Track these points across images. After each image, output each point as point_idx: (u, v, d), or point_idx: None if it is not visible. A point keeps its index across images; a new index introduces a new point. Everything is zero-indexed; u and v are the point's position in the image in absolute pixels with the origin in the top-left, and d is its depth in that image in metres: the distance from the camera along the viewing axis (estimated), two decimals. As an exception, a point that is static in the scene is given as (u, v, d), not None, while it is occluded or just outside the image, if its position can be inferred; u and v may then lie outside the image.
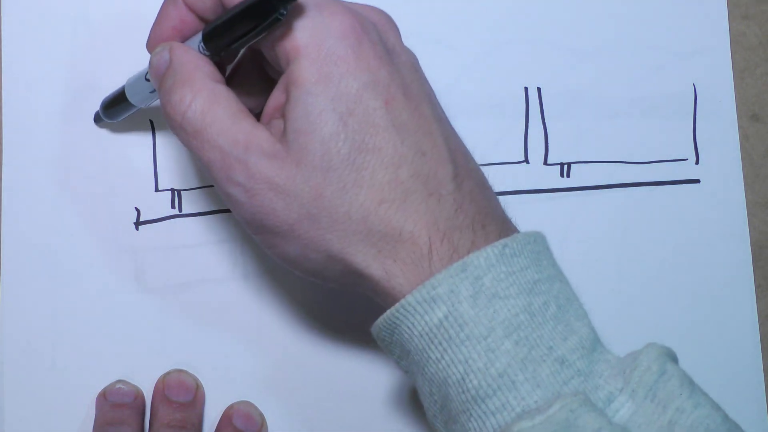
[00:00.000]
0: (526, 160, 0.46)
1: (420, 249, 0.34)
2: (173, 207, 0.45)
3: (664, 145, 0.47)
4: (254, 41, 0.35)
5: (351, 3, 0.36)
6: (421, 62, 0.46)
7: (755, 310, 0.46)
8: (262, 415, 0.44)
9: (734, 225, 0.46)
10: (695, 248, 0.46)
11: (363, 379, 0.45)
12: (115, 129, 0.45)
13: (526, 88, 0.46)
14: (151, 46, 0.39)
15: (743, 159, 0.47)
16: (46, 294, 0.44)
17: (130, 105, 0.42)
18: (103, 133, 0.45)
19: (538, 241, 0.36)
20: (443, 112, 0.37)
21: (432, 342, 0.33)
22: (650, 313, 0.46)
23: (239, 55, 0.39)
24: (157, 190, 0.45)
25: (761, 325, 0.46)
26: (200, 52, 0.37)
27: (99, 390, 0.44)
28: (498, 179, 0.45)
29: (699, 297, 0.46)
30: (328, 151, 0.34)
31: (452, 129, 0.37)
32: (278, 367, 0.45)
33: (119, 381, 0.44)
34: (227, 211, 0.45)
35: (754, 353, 0.46)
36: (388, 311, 0.34)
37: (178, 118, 0.35)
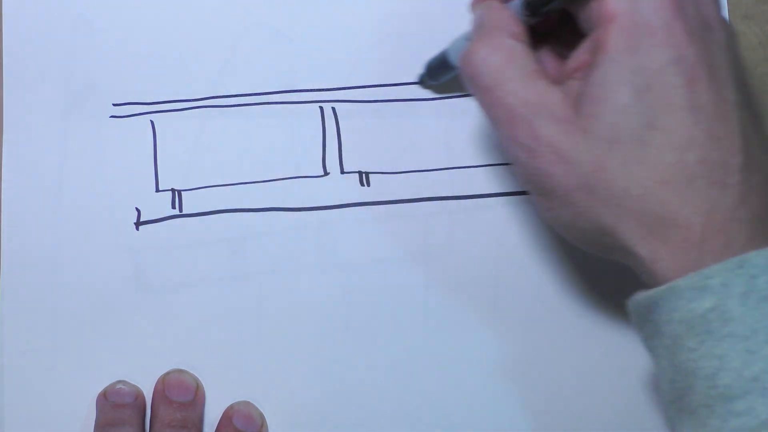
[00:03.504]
0: (527, 161, 0.46)
1: (692, 236, 0.33)
2: (173, 207, 0.45)
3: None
4: (572, 3, 0.35)
5: None
6: (419, 62, 0.46)
7: (755, 310, 0.46)
8: (262, 415, 0.44)
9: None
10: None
11: (363, 379, 0.45)
12: (119, 128, 0.45)
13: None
14: (474, 3, 0.39)
15: (743, 159, 0.47)
16: (46, 294, 0.44)
17: (452, 67, 0.43)
18: (103, 133, 0.45)
19: None
20: (749, 98, 0.36)
21: (691, 331, 0.32)
22: (650, 313, 0.46)
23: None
24: (157, 190, 0.45)
25: (761, 325, 0.46)
26: (519, 13, 0.37)
27: (99, 390, 0.44)
28: (498, 180, 0.46)
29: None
30: (616, 123, 0.33)
31: (755, 118, 0.35)
32: (278, 367, 0.45)
33: (120, 381, 0.44)
34: (227, 211, 0.45)
35: (754, 353, 0.46)
36: (653, 290, 0.34)
37: (472, 71, 0.36)
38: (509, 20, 0.37)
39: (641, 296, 0.35)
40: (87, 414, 0.44)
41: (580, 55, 0.36)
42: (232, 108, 0.46)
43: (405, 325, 0.45)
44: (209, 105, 0.46)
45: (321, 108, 0.46)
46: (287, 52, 0.46)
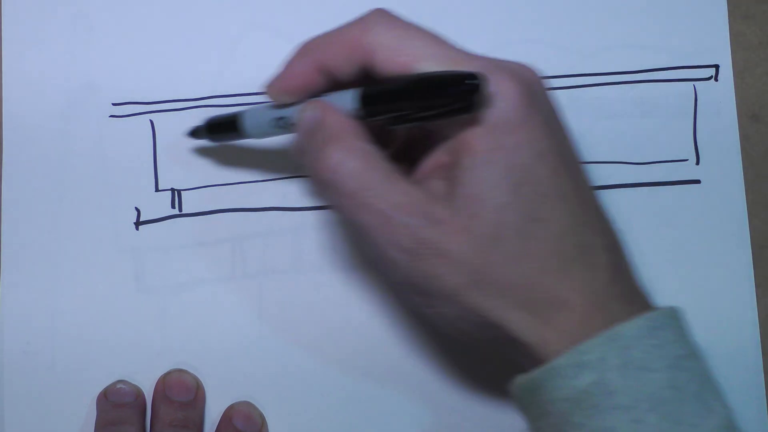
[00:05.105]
0: (527, 161, 0.46)
1: (576, 317, 0.34)
2: (173, 207, 0.45)
3: (665, 146, 0.47)
4: (428, 122, 0.35)
5: (506, 63, 0.36)
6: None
7: (755, 310, 0.46)
8: (262, 416, 0.44)
9: (735, 225, 0.46)
10: (695, 248, 0.46)
11: (363, 380, 0.45)
12: (119, 128, 0.45)
13: (526, 89, 0.46)
14: (275, 95, 0.38)
15: (743, 159, 0.47)
16: (46, 294, 0.44)
17: (239, 134, 0.42)
18: (103, 133, 0.45)
19: (679, 316, 0.36)
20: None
21: (577, 407, 0.33)
22: (650, 313, 0.46)
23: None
24: (157, 190, 0.45)
25: (761, 325, 0.46)
26: (352, 112, 0.36)
27: (99, 390, 0.44)
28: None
29: (699, 297, 0.46)
30: (500, 221, 0.34)
31: (599, 199, 0.37)
32: (278, 367, 0.45)
33: (120, 381, 0.44)
34: (227, 210, 0.45)
35: (754, 353, 0.46)
36: (535, 371, 0.34)
37: (329, 176, 0.35)
38: (352, 122, 0.36)
39: (524, 378, 0.35)
40: (87, 414, 0.44)
41: (438, 156, 0.36)
42: (232, 108, 0.46)
43: (405, 325, 0.45)
44: (209, 105, 0.46)
45: (321, 108, 0.46)
46: (287, 52, 0.46)
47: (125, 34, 0.46)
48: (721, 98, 0.47)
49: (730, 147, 0.47)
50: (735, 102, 0.47)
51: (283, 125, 0.39)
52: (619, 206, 0.46)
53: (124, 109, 0.45)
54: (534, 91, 0.35)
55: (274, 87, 0.38)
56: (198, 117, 0.45)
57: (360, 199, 0.35)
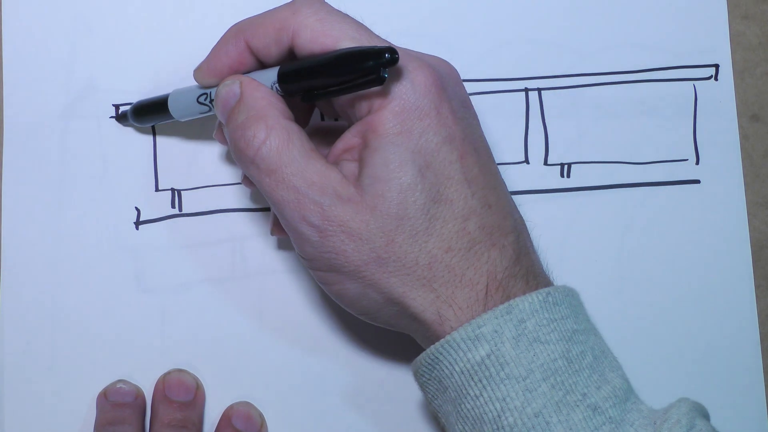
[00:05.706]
0: (527, 161, 0.46)
1: (476, 295, 0.36)
2: (173, 207, 0.45)
3: (665, 146, 0.47)
4: (339, 95, 0.36)
5: (423, 55, 0.37)
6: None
7: (755, 310, 0.46)
8: (261, 416, 0.44)
9: (734, 225, 0.46)
10: (695, 248, 0.46)
11: (363, 379, 0.45)
12: (119, 128, 0.45)
13: (526, 89, 0.46)
14: (202, 77, 0.39)
15: (743, 159, 0.47)
16: (46, 294, 0.44)
17: (166, 115, 0.42)
18: (103, 133, 0.45)
19: (575, 295, 0.38)
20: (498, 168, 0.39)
21: (472, 379, 0.35)
22: (650, 313, 0.46)
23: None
24: (157, 189, 0.45)
25: (761, 325, 0.46)
26: (272, 89, 0.37)
27: (99, 390, 0.44)
28: (498, 179, 0.46)
29: (699, 297, 0.46)
30: (404, 200, 0.35)
31: (505, 184, 0.39)
32: (278, 367, 0.45)
33: (120, 381, 0.44)
34: (227, 211, 0.45)
35: (754, 353, 0.46)
36: (433, 346, 0.36)
37: (251, 153, 0.36)
38: (275, 98, 0.37)
39: (423, 356, 0.37)
40: (87, 414, 0.44)
41: (348, 138, 0.37)
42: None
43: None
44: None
45: (321, 108, 0.46)
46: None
47: (125, 34, 0.46)
48: (721, 98, 0.47)
49: (730, 147, 0.47)
50: (735, 102, 0.47)
51: (204, 101, 0.40)
52: (619, 206, 0.46)
53: (124, 109, 0.45)
54: (446, 82, 0.37)
55: (201, 70, 0.39)
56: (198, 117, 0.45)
57: (277, 175, 0.36)
